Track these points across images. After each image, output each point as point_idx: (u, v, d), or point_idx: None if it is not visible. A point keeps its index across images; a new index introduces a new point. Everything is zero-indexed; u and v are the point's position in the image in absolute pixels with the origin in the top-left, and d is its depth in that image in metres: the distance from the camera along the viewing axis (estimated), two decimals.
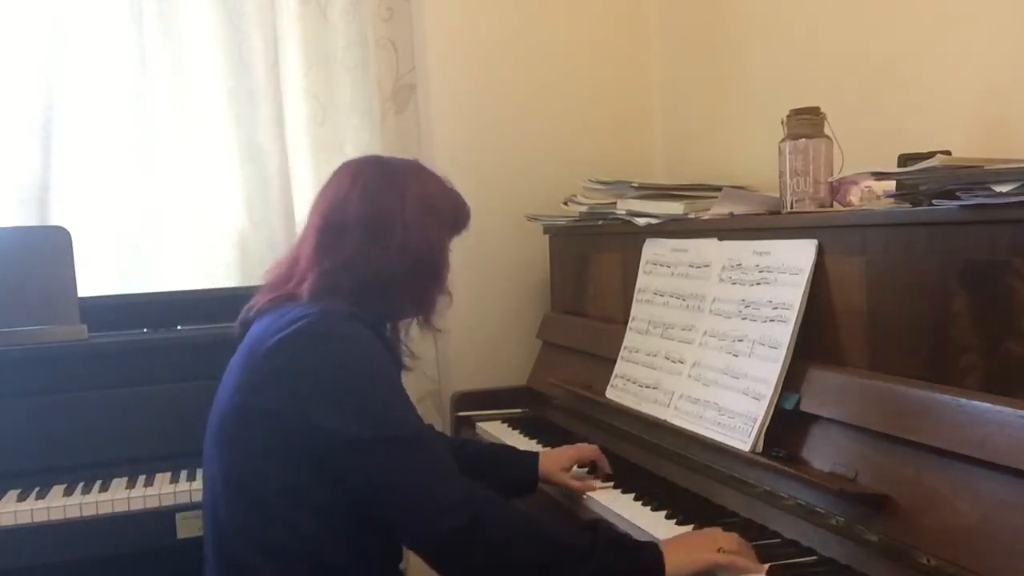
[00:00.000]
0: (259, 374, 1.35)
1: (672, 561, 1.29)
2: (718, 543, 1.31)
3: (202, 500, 1.47)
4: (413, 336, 1.61)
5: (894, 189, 1.41)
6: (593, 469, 1.78)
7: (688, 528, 1.46)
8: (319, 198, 1.51)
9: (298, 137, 2.47)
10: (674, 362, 1.79)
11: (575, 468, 1.77)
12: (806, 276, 1.50)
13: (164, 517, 1.87)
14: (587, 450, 1.79)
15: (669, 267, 1.91)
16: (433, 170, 1.55)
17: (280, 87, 2.44)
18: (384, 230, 1.42)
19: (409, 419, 1.35)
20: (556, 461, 1.76)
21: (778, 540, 1.40)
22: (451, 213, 1.53)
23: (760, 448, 1.50)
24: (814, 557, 1.32)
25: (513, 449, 1.86)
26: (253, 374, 1.36)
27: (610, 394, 1.98)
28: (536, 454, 1.78)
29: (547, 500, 1.79)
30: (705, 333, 1.73)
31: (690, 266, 1.83)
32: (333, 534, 1.34)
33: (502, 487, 1.72)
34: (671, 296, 1.87)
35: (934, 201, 1.27)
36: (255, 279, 2.41)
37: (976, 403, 1.17)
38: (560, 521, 1.69)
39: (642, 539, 1.46)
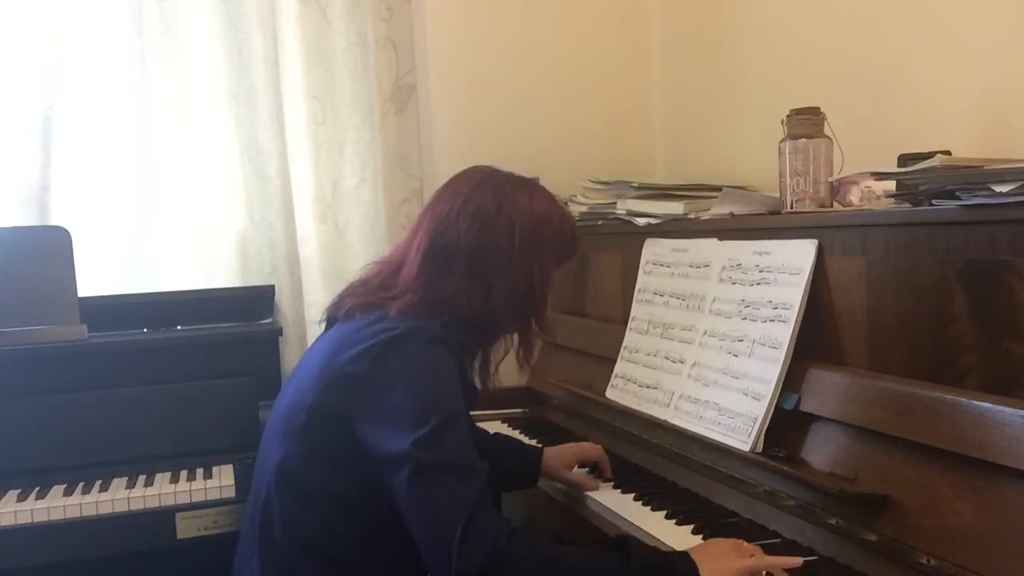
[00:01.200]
0: (336, 378, 1.35)
1: (708, 570, 1.25)
2: (749, 550, 1.28)
3: (253, 485, 1.48)
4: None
5: (894, 189, 1.42)
6: (594, 470, 1.78)
7: (688, 528, 1.47)
8: (430, 209, 1.47)
9: (298, 137, 2.47)
10: (674, 362, 1.79)
11: (576, 468, 1.77)
12: (806, 276, 1.50)
13: (164, 517, 1.87)
14: (591, 449, 1.79)
15: (669, 267, 1.91)
16: (551, 193, 1.51)
17: (280, 87, 2.44)
18: (490, 268, 1.40)
19: (459, 452, 1.30)
20: (560, 458, 1.76)
21: (778, 540, 1.40)
22: (561, 244, 1.49)
23: (760, 448, 1.50)
24: (814, 557, 1.32)
25: (517, 441, 1.86)
26: (330, 376, 1.36)
27: (610, 394, 1.98)
28: (540, 449, 1.79)
29: (547, 500, 1.79)
30: (705, 333, 1.73)
31: (690, 266, 1.83)
32: (370, 543, 1.36)
33: (503, 478, 1.72)
34: (671, 296, 1.87)
35: (934, 201, 1.27)
36: (255, 279, 2.43)
37: (976, 403, 1.17)
38: (579, 533, 1.67)
39: (640, 539, 1.46)
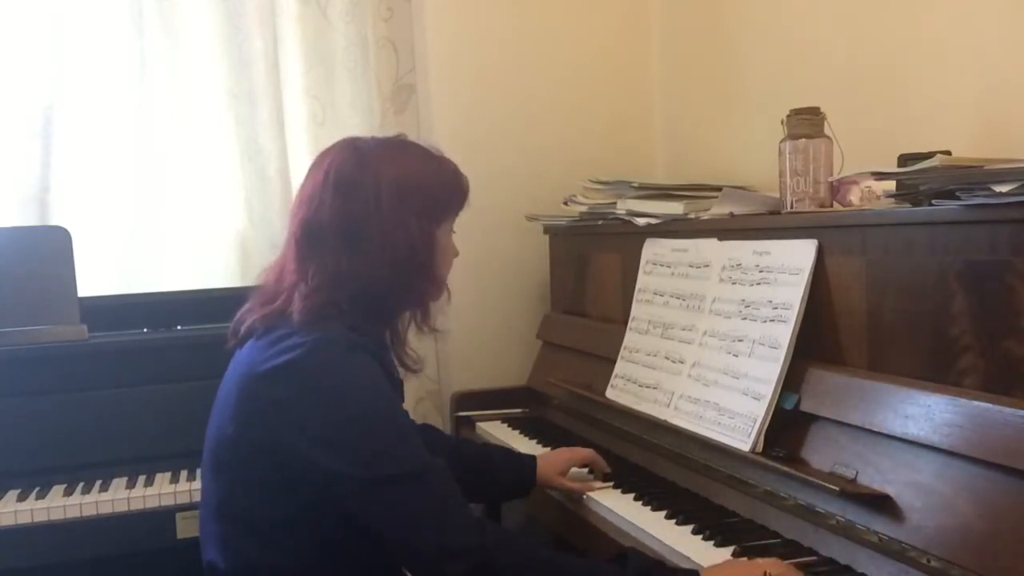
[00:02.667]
0: (254, 404, 1.29)
1: None
2: (762, 568, 1.24)
3: (199, 516, 1.44)
4: (411, 338, 1.52)
5: (894, 189, 1.42)
6: (591, 471, 1.78)
7: (688, 528, 1.46)
8: (297, 198, 1.41)
9: (298, 137, 2.47)
10: (674, 362, 1.79)
11: (574, 469, 1.77)
12: (806, 276, 1.50)
13: (164, 517, 1.87)
14: (583, 453, 1.78)
15: (669, 267, 1.91)
16: (420, 143, 1.43)
17: (280, 87, 2.44)
18: (362, 236, 1.32)
19: (411, 456, 1.27)
20: (552, 465, 1.74)
21: (778, 540, 1.40)
22: (436, 194, 1.38)
23: (760, 448, 1.50)
24: (814, 557, 1.32)
25: (509, 451, 1.85)
26: (248, 403, 1.30)
27: (610, 394, 1.98)
28: (533, 458, 1.76)
29: (548, 501, 1.79)
30: (705, 333, 1.73)
31: (690, 266, 1.83)
32: (333, 560, 1.33)
33: (496, 490, 1.71)
34: (671, 296, 1.87)
35: (934, 201, 1.27)
36: (255, 279, 2.42)
37: (976, 403, 1.17)
38: (580, 537, 1.67)
39: (646, 542, 1.46)
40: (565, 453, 1.78)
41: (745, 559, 1.31)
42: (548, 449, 1.98)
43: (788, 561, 1.30)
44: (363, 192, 1.33)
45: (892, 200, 1.43)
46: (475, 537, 1.24)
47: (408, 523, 1.25)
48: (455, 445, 1.77)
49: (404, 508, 1.25)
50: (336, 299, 1.32)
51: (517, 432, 2.20)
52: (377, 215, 1.32)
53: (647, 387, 1.85)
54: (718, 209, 1.82)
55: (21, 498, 1.85)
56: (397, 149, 1.40)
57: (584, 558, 1.38)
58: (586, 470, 1.78)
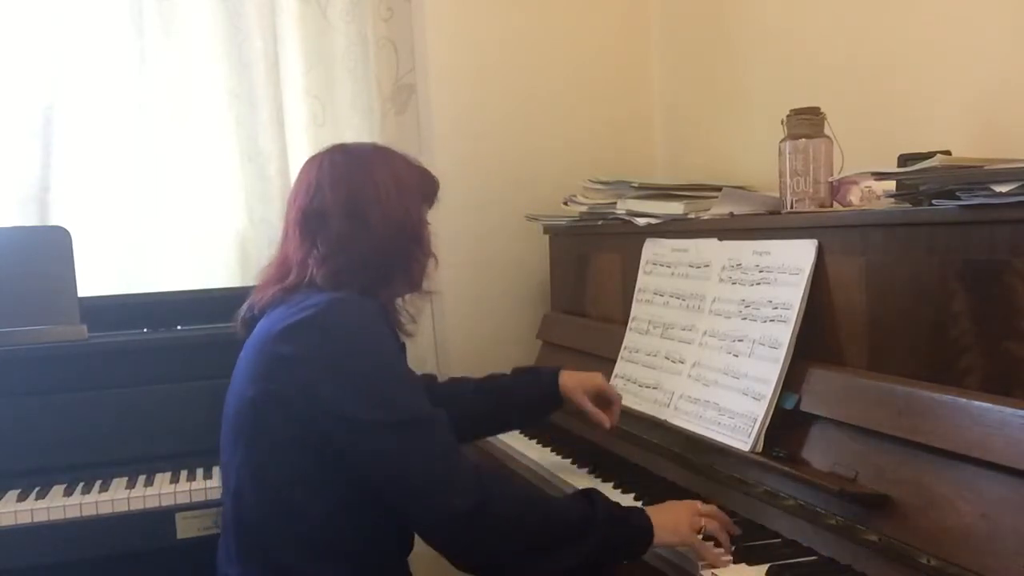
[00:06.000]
0: (270, 362, 1.37)
1: (659, 525, 1.37)
2: (698, 512, 1.39)
3: (222, 491, 1.49)
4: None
5: (894, 189, 1.42)
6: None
7: None
8: (292, 196, 1.53)
9: (298, 137, 2.47)
10: (674, 362, 1.79)
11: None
12: (806, 276, 1.50)
13: (164, 517, 1.87)
14: (609, 388, 1.78)
15: (669, 267, 1.91)
16: (394, 149, 1.59)
17: (280, 87, 2.43)
18: (363, 208, 1.45)
19: (416, 403, 1.35)
20: (580, 383, 1.75)
21: (778, 540, 1.40)
22: (420, 185, 1.55)
23: (760, 448, 1.50)
24: (814, 557, 1.32)
25: (532, 368, 1.90)
26: (264, 364, 1.38)
27: None
28: (555, 370, 1.78)
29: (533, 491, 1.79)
30: (705, 333, 1.73)
31: (690, 266, 1.83)
32: (346, 522, 1.37)
33: (529, 405, 1.79)
34: (671, 296, 1.87)
35: (934, 201, 1.27)
36: (255, 279, 2.42)
37: (976, 403, 1.17)
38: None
39: None
40: (597, 378, 1.78)
41: (685, 501, 1.45)
42: (548, 450, 1.98)
43: (787, 561, 1.31)
44: (360, 177, 1.48)
45: (892, 200, 1.43)
46: (475, 477, 1.32)
47: (416, 466, 1.31)
48: (475, 386, 1.81)
49: (413, 453, 1.31)
50: (350, 265, 1.43)
51: (517, 432, 2.19)
52: (375, 192, 1.47)
53: (647, 387, 1.85)
54: (718, 209, 1.82)
55: (21, 498, 1.85)
56: (381, 149, 1.57)
57: (560, 498, 1.49)
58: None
